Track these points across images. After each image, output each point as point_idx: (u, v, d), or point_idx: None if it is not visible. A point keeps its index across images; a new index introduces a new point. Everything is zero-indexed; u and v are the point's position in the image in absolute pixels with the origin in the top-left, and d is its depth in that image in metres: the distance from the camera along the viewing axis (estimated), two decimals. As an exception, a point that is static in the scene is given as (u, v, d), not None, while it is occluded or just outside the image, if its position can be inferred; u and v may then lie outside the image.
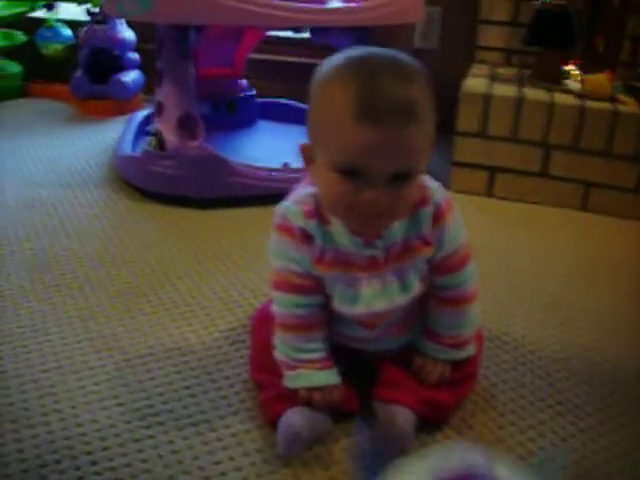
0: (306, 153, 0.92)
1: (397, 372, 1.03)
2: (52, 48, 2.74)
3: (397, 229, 0.95)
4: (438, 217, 0.96)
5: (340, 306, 0.99)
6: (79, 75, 2.57)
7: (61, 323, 1.23)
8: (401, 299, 0.98)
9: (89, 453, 0.93)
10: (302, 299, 0.99)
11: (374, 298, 0.97)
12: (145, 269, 1.44)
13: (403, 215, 0.92)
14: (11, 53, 2.74)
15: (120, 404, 1.03)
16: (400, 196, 0.86)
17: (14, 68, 2.73)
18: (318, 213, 0.95)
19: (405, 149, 0.83)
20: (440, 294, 1.03)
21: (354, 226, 0.92)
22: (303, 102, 2.36)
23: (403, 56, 0.87)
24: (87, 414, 1.00)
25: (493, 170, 1.96)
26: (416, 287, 0.99)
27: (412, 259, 0.97)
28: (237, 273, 1.44)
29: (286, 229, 0.96)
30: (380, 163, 0.83)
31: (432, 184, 0.97)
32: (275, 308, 1.01)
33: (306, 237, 0.95)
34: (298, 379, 0.98)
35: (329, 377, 0.98)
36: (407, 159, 0.84)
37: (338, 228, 0.95)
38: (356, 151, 0.82)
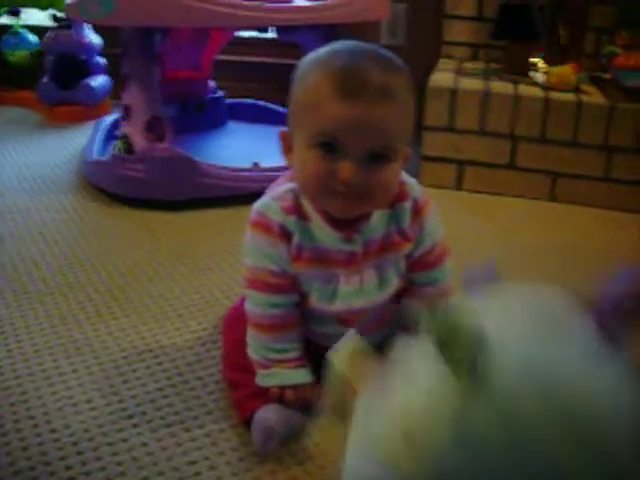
0: (285, 141, 0.94)
1: (369, 366, 1.03)
2: (18, 55, 2.71)
3: (376, 224, 0.96)
4: (417, 212, 0.97)
5: (318, 304, 0.99)
6: (46, 81, 2.55)
7: (31, 330, 1.22)
8: (380, 296, 0.99)
9: (63, 458, 0.92)
10: (277, 298, 0.98)
11: (352, 295, 0.97)
12: (115, 273, 1.43)
13: (381, 202, 0.92)
14: (-24, 61, 2.72)
15: (93, 408, 1.02)
16: (377, 178, 0.86)
17: (-21, 76, 2.71)
18: (297, 209, 0.95)
19: (381, 126, 0.84)
20: (416, 290, 1.04)
21: (331, 209, 0.91)
22: (272, 102, 2.37)
23: (385, 51, 0.90)
24: (60, 420, 1.00)
25: (462, 163, 1.97)
26: (394, 283, 1.00)
27: (391, 255, 0.98)
28: (208, 274, 1.44)
29: (263, 226, 0.96)
30: (356, 138, 0.84)
31: (409, 180, 0.98)
32: (248, 307, 1.00)
33: (284, 234, 0.95)
34: (271, 378, 0.98)
35: (302, 376, 0.98)
36: (383, 136, 0.85)
37: (317, 224, 0.95)
38: (333, 123, 0.84)
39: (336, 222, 0.94)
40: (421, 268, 1.02)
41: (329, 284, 0.97)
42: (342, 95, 0.83)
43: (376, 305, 1.00)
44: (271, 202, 0.96)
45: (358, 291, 0.98)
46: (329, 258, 0.96)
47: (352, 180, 0.85)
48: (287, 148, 0.94)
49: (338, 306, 0.98)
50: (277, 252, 0.96)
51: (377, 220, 0.96)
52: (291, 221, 0.95)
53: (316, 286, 0.98)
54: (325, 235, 0.95)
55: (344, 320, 1.01)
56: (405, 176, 0.98)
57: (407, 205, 0.97)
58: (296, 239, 0.95)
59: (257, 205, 0.98)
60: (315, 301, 0.99)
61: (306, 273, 0.97)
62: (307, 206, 0.95)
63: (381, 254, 0.97)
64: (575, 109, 1.84)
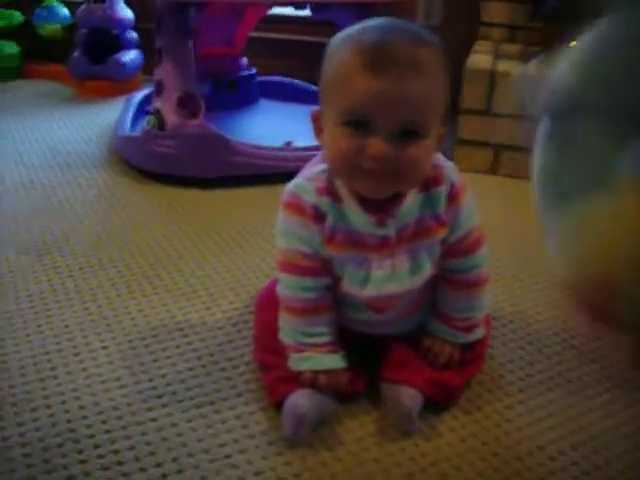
0: (317, 121, 0.92)
1: (405, 353, 1.01)
2: (49, 28, 2.70)
3: (410, 208, 0.93)
4: (453, 197, 0.95)
5: (350, 288, 0.96)
6: (77, 55, 2.54)
7: (62, 305, 1.21)
8: (412, 282, 0.96)
9: (91, 436, 0.92)
10: (309, 281, 0.96)
11: (385, 280, 0.95)
12: (146, 250, 1.42)
13: (413, 181, 0.90)
14: (8, 33, 2.71)
15: (123, 386, 1.01)
16: (408, 155, 0.84)
17: (12, 49, 2.70)
18: (331, 190, 0.93)
19: (411, 100, 0.82)
20: (452, 277, 1.01)
21: (361, 188, 0.89)
22: (304, 80, 2.34)
23: (419, 27, 0.88)
24: (89, 397, 0.99)
25: (497, 148, 1.93)
26: (428, 270, 0.97)
27: (425, 240, 0.95)
28: (239, 253, 1.42)
29: (296, 207, 0.94)
30: (386, 113, 0.82)
31: (446, 163, 0.95)
32: (281, 290, 0.99)
33: (317, 215, 0.93)
34: (304, 362, 0.96)
35: (336, 361, 0.97)
36: (413, 111, 0.83)
37: (350, 206, 0.93)
38: (362, 99, 0.82)
39: (369, 205, 0.92)
40: (456, 255, 0.99)
41: (361, 268, 0.95)
42: (370, 70, 0.81)
43: (408, 291, 0.97)
44: (304, 183, 0.94)
45: (390, 276, 0.95)
46: (362, 241, 0.94)
47: (382, 156, 0.83)
48: (319, 128, 0.92)
49: (369, 291, 0.96)
50: (309, 234, 0.94)
51: (411, 204, 0.93)
52: (325, 202, 0.93)
53: (348, 270, 0.96)
54: (358, 218, 0.93)
55: (375, 307, 0.99)
56: (442, 159, 0.95)
57: (443, 189, 0.94)
58: (330, 220, 0.93)
59: (290, 186, 0.96)
60: (347, 285, 0.96)
61: (339, 256, 0.95)
62: (340, 188, 0.93)
63: (415, 239, 0.95)
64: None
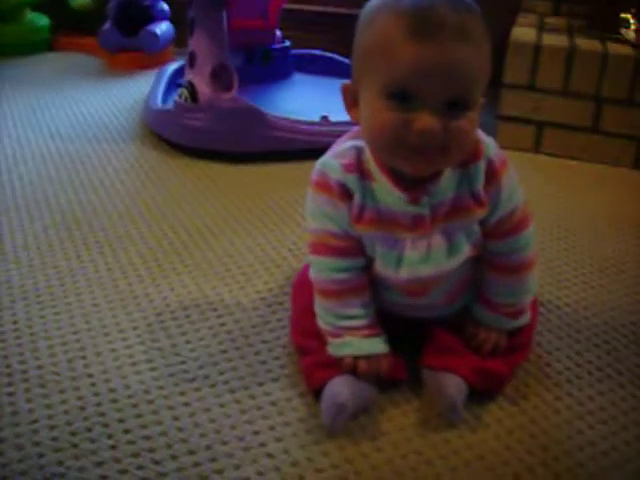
0: (348, 94, 0.86)
1: (448, 339, 0.96)
2: (80, 0, 2.66)
3: (446, 185, 0.87)
4: (492, 174, 0.88)
5: (383, 270, 0.92)
6: (108, 27, 2.50)
7: (91, 283, 1.17)
8: (448, 264, 0.91)
9: (121, 420, 0.88)
10: (340, 262, 0.92)
11: (419, 262, 0.90)
12: (177, 226, 1.38)
13: (459, 157, 0.84)
14: (39, 5, 2.68)
15: (153, 368, 0.97)
16: (456, 129, 0.78)
17: (42, 21, 2.67)
18: (359, 167, 0.88)
19: (459, 70, 0.76)
20: (496, 260, 0.95)
21: (405, 166, 0.83)
22: (339, 54, 2.28)
23: None
24: (119, 379, 0.95)
25: (541, 125, 1.86)
26: (465, 251, 0.91)
27: (462, 219, 0.89)
28: (274, 231, 1.38)
29: (323, 186, 0.89)
30: (433, 84, 0.76)
31: (485, 137, 0.89)
32: (313, 274, 0.95)
33: (344, 193, 0.88)
34: (344, 347, 0.91)
35: (376, 345, 0.92)
36: (462, 82, 0.77)
37: (382, 183, 0.87)
38: (408, 69, 0.76)
39: (402, 182, 0.86)
40: (499, 235, 0.93)
41: (394, 249, 0.90)
42: (416, 37, 0.75)
43: (445, 274, 0.92)
44: (331, 160, 0.89)
45: (425, 258, 0.90)
46: (394, 220, 0.88)
47: (431, 130, 0.76)
48: (351, 102, 0.86)
49: (404, 273, 0.91)
50: (338, 212, 0.89)
51: (447, 181, 0.87)
52: (352, 179, 0.88)
53: (380, 250, 0.91)
54: (390, 196, 0.87)
55: (410, 290, 0.94)
56: (480, 133, 0.88)
57: (481, 165, 0.87)
58: (357, 198, 0.88)
59: (317, 164, 0.91)
60: (380, 267, 0.92)
61: (369, 235, 0.90)
62: (371, 164, 0.87)
63: (451, 218, 0.89)
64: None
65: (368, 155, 0.88)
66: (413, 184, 0.86)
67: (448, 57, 0.75)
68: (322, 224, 0.91)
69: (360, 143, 0.89)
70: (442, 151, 0.79)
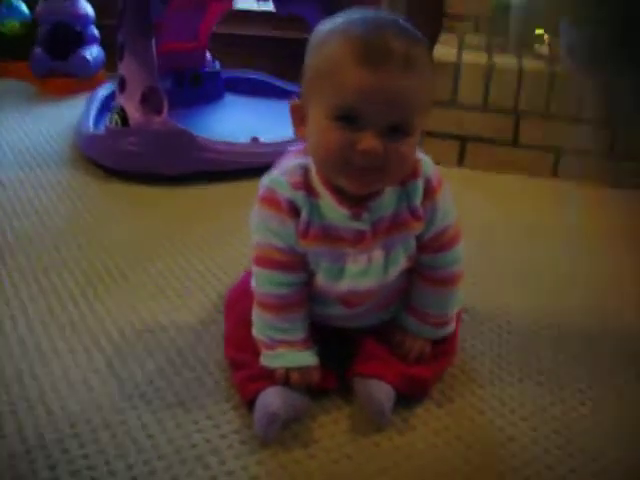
0: (297, 112, 0.90)
1: (376, 347, 1.00)
2: (9, 25, 2.64)
3: (386, 202, 0.92)
4: (429, 192, 0.93)
5: (324, 283, 0.95)
6: (38, 52, 2.49)
7: (26, 308, 1.18)
8: (386, 276, 0.96)
9: (59, 441, 0.89)
10: (284, 277, 0.95)
11: (359, 275, 0.94)
12: (112, 250, 1.40)
13: (397, 177, 0.89)
14: (-34, 31, 2.65)
15: (90, 389, 0.99)
16: (397, 152, 0.83)
17: (-30, 47, 2.64)
18: (306, 185, 0.92)
19: (404, 98, 0.81)
20: (426, 273, 1.00)
21: (347, 183, 0.87)
22: (273, 76, 2.32)
23: (403, 20, 0.86)
24: (56, 401, 0.96)
25: (464, 140, 1.93)
26: (402, 264, 0.96)
27: (401, 234, 0.94)
28: (208, 251, 1.41)
29: (271, 202, 0.93)
30: (377, 108, 0.81)
31: (423, 157, 0.94)
32: (255, 285, 0.98)
33: (293, 209, 0.92)
34: (277, 359, 0.95)
35: (308, 358, 0.96)
36: (405, 109, 0.82)
37: (326, 200, 0.91)
38: (354, 93, 0.80)
39: (345, 199, 0.91)
40: (432, 250, 0.98)
41: (337, 263, 0.94)
42: (363, 63, 0.80)
43: (382, 286, 0.97)
44: (280, 177, 0.93)
45: (365, 271, 0.94)
46: (337, 236, 0.93)
47: (373, 151, 0.81)
48: (299, 120, 0.90)
49: (344, 286, 0.95)
50: (285, 229, 0.92)
51: (387, 198, 0.92)
52: (299, 196, 0.91)
53: (324, 265, 0.95)
54: (333, 212, 0.92)
55: (348, 302, 0.99)
56: (419, 153, 0.94)
57: (419, 183, 0.92)
58: (304, 215, 0.92)
59: (265, 180, 0.95)
60: (322, 280, 0.95)
61: (314, 250, 0.94)
62: (316, 182, 0.92)
63: (391, 233, 0.94)
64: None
65: (314, 173, 0.92)
66: (355, 201, 0.91)
67: (393, 85, 0.80)
68: (267, 238, 0.94)
69: (306, 161, 0.93)
70: (381, 172, 0.85)
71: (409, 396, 0.98)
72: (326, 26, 0.87)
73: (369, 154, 0.82)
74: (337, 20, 0.86)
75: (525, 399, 1.02)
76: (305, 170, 0.92)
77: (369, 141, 0.81)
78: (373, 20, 0.84)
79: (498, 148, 1.92)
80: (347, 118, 0.82)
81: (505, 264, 1.42)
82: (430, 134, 1.94)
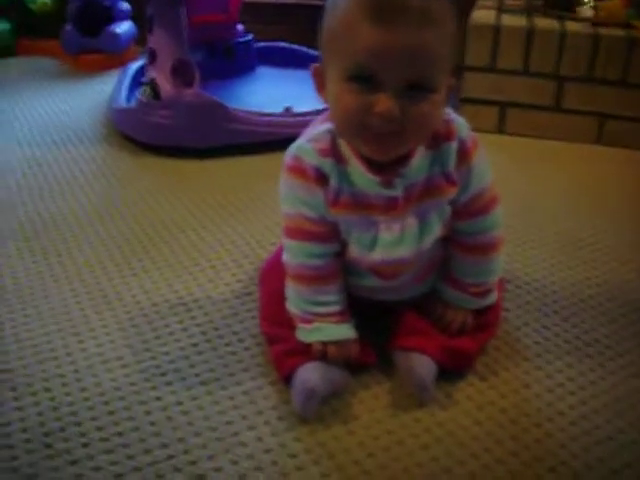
0: (318, 76, 0.86)
1: (417, 320, 0.97)
2: (40, 2, 2.63)
3: (419, 166, 0.88)
4: (464, 155, 0.89)
5: (357, 253, 0.92)
6: (69, 29, 2.48)
7: (60, 284, 1.17)
8: (421, 244, 0.92)
9: (94, 419, 0.88)
10: (316, 247, 0.92)
11: (393, 244, 0.90)
12: (146, 224, 1.38)
13: (421, 139, 0.84)
14: (-1, 10, 2.65)
15: (124, 365, 0.98)
16: (417, 111, 0.78)
17: (3, 25, 2.64)
18: (334, 151, 0.88)
19: (420, 53, 0.76)
20: (464, 240, 0.96)
21: (367, 149, 0.83)
22: (303, 45, 2.28)
23: None
24: (90, 377, 0.95)
25: (504, 105, 1.87)
26: (437, 231, 0.92)
27: (435, 200, 0.90)
28: (242, 223, 1.38)
29: (298, 170, 0.89)
30: (394, 67, 0.76)
31: (457, 118, 0.89)
32: (287, 258, 0.95)
33: (320, 177, 0.88)
34: (313, 333, 0.92)
35: (346, 331, 0.93)
36: (422, 65, 0.77)
37: (355, 167, 0.88)
38: (368, 52, 0.76)
39: (374, 165, 0.87)
40: (468, 216, 0.94)
41: (369, 231, 0.91)
42: (377, 20, 0.75)
43: (417, 255, 0.93)
44: (306, 144, 0.90)
45: (399, 239, 0.90)
46: (368, 203, 0.89)
47: (390, 113, 0.77)
48: (320, 84, 0.86)
49: (377, 256, 0.91)
50: (313, 198, 0.89)
51: (419, 162, 0.88)
52: (327, 163, 0.88)
53: (355, 234, 0.91)
54: (363, 179, 0.88)
55: (382, 273, 0.95)
56: (452, 114, 0.89)
57: (453, 145, 0.88)
58: (333, 182, 0.88)
59: (292, 148, 0.91)
60: (354, 250, 0.92)
61: (345, 219, 0.90)
62: (345, 148, 0.88)
63: (424, 199, 0.89)
64: (625, 46, 1.73)
65: (340, 139, 0.88)
66: (385, 167, 0.87)
67: (408, 41, 0.76)
68: (297, 209, 0.91)
69: (333, 127, 0.89)
70: (400, 136, 0.80)
71: (452, 370, 0.95)
72: None
73: (385, 117, 0.77)
74: None
75: (573, 372, 0.98)
76: (333, 136, 0.89)
77: (384, 102, 0.77)
78: None
79: (539, 114, 1.86)
80: (361, 78, 0.78)
81: (547, 233, 1.37)
82: (469, 100, 1.89)
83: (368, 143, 0.82)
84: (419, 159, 0.88)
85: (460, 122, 0.89)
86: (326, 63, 0.84)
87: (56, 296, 1.14)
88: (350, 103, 0.79)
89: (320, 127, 0.91)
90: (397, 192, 0.88)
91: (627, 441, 0.86)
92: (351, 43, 0.78)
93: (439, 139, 0.87)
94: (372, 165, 0.87)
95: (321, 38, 0.84)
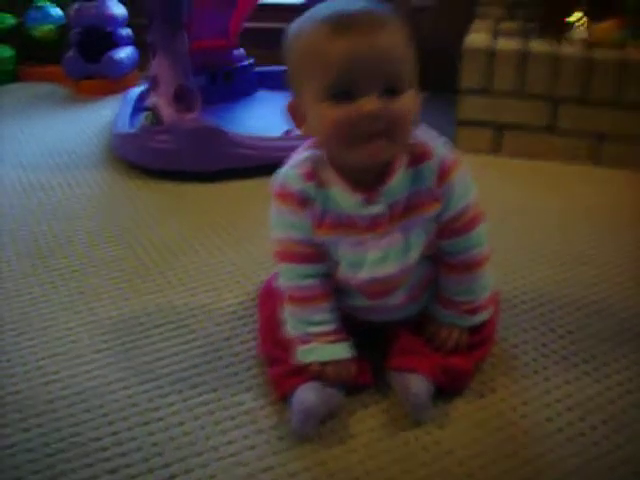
0: (295, 111, 0.90)
1: (411, 340, 0.99)
2: (43, 29, 2.67)
3: (399, 184, 0.90)
4: (443, 173, 0.91)
5: (346, 272, 0.95)
6: (71, 55, 2.51)
7: (65, 307, 1.19)
8: (406, 261, 0.94)
9: (98, 439, 0.90)
10: (306, 269, 0.95)
11: (379, 261, 0.93)
12: (148, 247, 1.40)
13: (404, 138, 0.87)
14: (1, 37, 2.68)
15: (127, 387, 0.99)
16: (398, 110, 0.83)
17: (6, 52, 2.67)
18: (316, 175, 0.92)
19: (387, 54, 0.82)
20: (450, 259, 0.98)
21: (358, 156, 0.85)
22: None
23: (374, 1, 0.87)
24: (94, 399, 0.97)
25: (500, 127, 1.90)
26: (420, 247, 0.94)
27: (419, 216, 0.92)
28: (244, 245, 1.40)
29: (285, 196, 0.93)
30: (367, 73, 0.81)
31: (435, 138, 0.93)
32: (280, 281, 0.98)
33: (305, 201, 0.92)
34: (311, 353, 0.94)
35: (343, 351, 0.95)
36: (392, 66, 0.82)
37: (338, 189, 0.91)
38: (341, 66, 0.81)
39: (356, 185, 0.90)
40: (452, 233, 0.96)
41: (355, 251, 0.93)
42: (340, 35, 0.81)
43: (403, 272, 0.95)
44: (290, 170, 0.94)
45: (385, 256, 0.93)
46: (353, 223, 0.92)
47: (376, 111, 0.81)
48: (299, 118, 0.90)
49: (365, 274, 0.94)
50: (300, 220, 0.93)
51: (400, 180, 0.90)
52: (311, 187, 0.91)
53: (342, 254, 0.94)
54: (346, 201, 0.91)
55: (370, 292, 0.97)
56: (432, 134, 0.93)
57: (432, 164, 0.90)
58: (318, 205, 0.92)
59: (278, 175, 0.96)
60: (343, 270, 0.95)
61: (331, 239, 0.93)
62: (327, 172, 0.91)
63: (407, 216, 0.92)
64: (619, 67, 1.76)
65: (324, 163, 0.91)
66: (367, 185, 0.90)
67: (373, 46, 0.81)
68: (286, 233, 0.95)
69: (315, 152, 0.92)
70: (386, 135, 0.83)
71: (448, 388, 0.96)
72: (295, 22, 0.88)
73: (371, 115, 0.81)
74: (305, 14, 0.87)
75: (571, 389, 0.99)
76: (315, 161, 0.92)
77: (370, 103, 0.81)
78: (339, 3, 0.85)
79: (534, 135, 1.88)
80: (342, 93, 0.82)
81: (548, 251, 1.39)
82: (464, 122, 1.91)
83: (358, 148, 0.84)
84: (399, 177, 0.90)
85: (439, 141, 0.93)
86: (301, 93, 0.87)
87: (61, 319, 1.16)
88: (336, 116, 0.82)
89: (303, 153, 0.94)
90: (381, 209, 0.91)
91: (625, 457, 0.88)
92: (323, 63, 0.82)
93: (418, 158, 0.90)
94: (355, 186, 0.90)
95: (289, 73, 0.89)
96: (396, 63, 0.83)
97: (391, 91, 0.82)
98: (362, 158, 0.86)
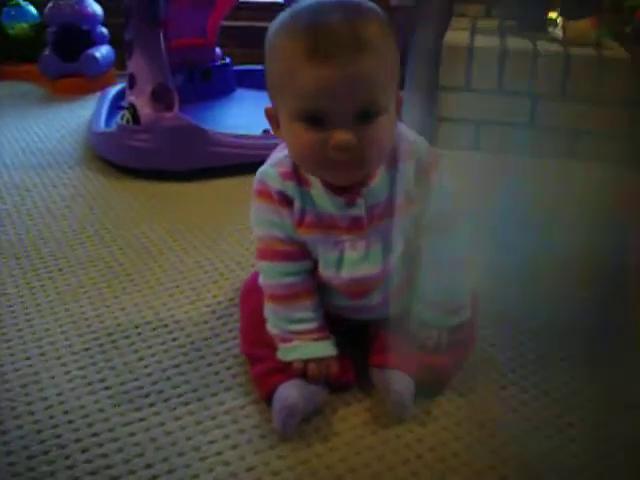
0: (272, 116, 0.89)
1: (393, 338, 0.98)
2: (18, 28, 2.66)
3: (379, 186, 0.90)
4: (422, 173, 0.91)
5: (326, 272, 0.95)
6: (48, 54, 2.49)
7: (42, 308, 1.18)
8: (384, 262, 0.94)
9: (78, 440, 0.89)
10: (288, 267, 0.95)
11: (358, 262, 0.93)
12: (126, 247, 1.39)
13: (379, 159, 0.87)
14: (-24, 36, 2.66)
15: (107, 387, 0.98)
16: (371, 137, 0.82)
17: (-20, 50, 2.65)
18: (296, 174, 0.91)
19: (362, 82, 0.79)
20: (430, 259, 0.97)
21: (331, 178, 0.87)
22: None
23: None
24: (74, 400, 0.96)
25: (479, 123, 1.91)
26: (401, 249, 0.94)
27: (397, 217, 0.92)
28: (222, 245, 1.40)
29: (265, 194, 0.93)
30: (340, 102, 0.79)
31: (416, 138, 0.93)
32: (262, 279, 0.97)
33: (284, 199, 0.92)
34: (293, 351, 0.93)
35: (325, 348, 0.94)
36: (366, 92, 0.80)
37: (317, 190, 0.91)
38: (314, 94, 0.79)
39: (336, 187, 0.90)
40: (432, 234, 0.95)
41: (334, 250, 0.93)
42: (313, 60, 0.78)
43: (383, 272, 0.95)
44: (270, 169, 0.93)
45: (364, 258, 0.93)
46: (333, 223, 0.92)
47: (346, 145, 0.80)
48: (275, 124, 0.89)
49: (345, 274, 0.94)
50: (281, 219, 0.93)
51: (380, 182, 0.90)
52: (290, 186, 0.91)
53: (322, 253, 0.94)
54: (326, 201, 0.91)
55: (351, 292, 0.97)
56: (411, 134, 0.93)
57: (411, 165, 0.90)
58: (297, 204, 0.91)
59: (258, 173, 0.95)
60: (322, 269, 0.95)
61: (311, 238, 0.93)
62: (306, 172, 0.91)
63: (386, 218, 0.92)
64: (595, 65, 1.78)
65: None
66: (347, 188, 0.90)
67: (349, 74, 0.78)
68: (267, 231, 0.94)
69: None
70: (361, 160, 0.83)
71: (429, 386, 0.96)
72: (273, 24, 0.85)
73: (343, 149, 0.80)
74: (283, 14, 0.84)
75: (549, 386, 1.00)
76: (293, 161, 0.91)
77: (339, 136, 0.80)
78: (317, 8, 0.81)
79: (514, 131, 1.89)
80: (313, 119, 0.81)
81: (527, 250, 1.39)
82: (445, 119, 1.92)
83: (331, 173, 0.86)
84: (379, 180, 0.90)
85: (418, 141, 0.92)
86: (276, 104, 0.87)
87: (38, 320, 1.14)
88: (306, 141, 0.82)
89: (283, 152, 0.94)
90: (360, 211, 0.91)
91: (604, 453, 0.88)
92: (295, 88, 0.80)
93: (397, 160, 0.90)
94: (335, 187, 0.90)
95: (267, 80, 0.87)
96: (374, 88, 0.81)
97: (366, 115, 0.81)
98: (333, 180, 0.87)
